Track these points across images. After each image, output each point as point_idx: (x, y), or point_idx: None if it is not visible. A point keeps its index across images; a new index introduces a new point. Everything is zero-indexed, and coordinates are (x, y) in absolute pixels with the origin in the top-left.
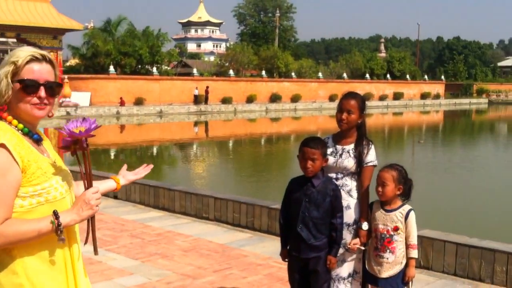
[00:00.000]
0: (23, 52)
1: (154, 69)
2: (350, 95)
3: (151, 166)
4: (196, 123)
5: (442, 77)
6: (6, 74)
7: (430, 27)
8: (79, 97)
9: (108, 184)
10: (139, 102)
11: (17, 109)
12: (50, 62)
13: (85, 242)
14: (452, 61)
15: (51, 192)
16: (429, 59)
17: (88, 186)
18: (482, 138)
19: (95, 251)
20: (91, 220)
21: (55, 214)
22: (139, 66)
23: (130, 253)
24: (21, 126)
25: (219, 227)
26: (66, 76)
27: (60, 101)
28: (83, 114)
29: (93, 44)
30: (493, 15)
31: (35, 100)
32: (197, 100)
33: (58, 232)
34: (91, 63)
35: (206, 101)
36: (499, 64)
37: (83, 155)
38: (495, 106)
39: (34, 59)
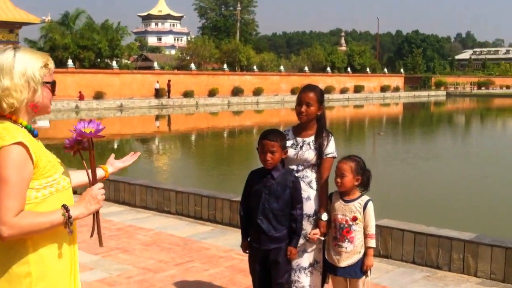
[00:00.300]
0: (44, 55)
1: (114, 63)
2: (308, 88)
3: (138, 153)
4: (157, 117)
5: (402, 70)
6: (42, 76)
7: (389, 21)
8: None
9: (97, 173)
10: (99, 96)
11: (25, 108)
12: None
13: (91, 235)
14: (411, 55)
15: (60, 182)
16: (388, 53)
17: (93, 182)
18: (441, 130)
19: (100, 243)
20: (96, 214)
21: (65, 207)
22: (98, 60)
23: (90, 249)
24: (25, 123)
25: (180, 221)
26: None
27: None
28: None
29: (51, 38)
30: (451, 9)
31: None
32: (158, 94)
33: (68, 225)
34: None
35: (168, 94)
36: (457, 57)
37: (90, 154)
38: (453, 99)
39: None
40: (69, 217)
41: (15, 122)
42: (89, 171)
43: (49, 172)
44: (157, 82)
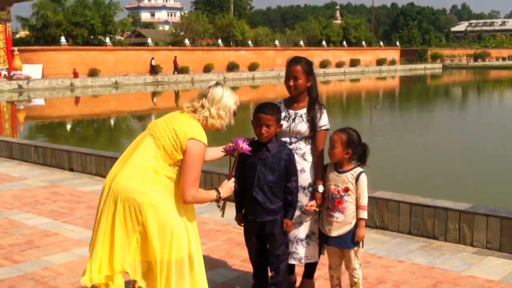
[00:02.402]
0: (235, 95)
1: (107, 39)
2: (294, 61)
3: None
4: (154, 94)
5: (397, 43)
6: (234, 110)
7: None
8: (30, 69)
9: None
10: (93, 73)
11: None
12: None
13: (222, 213)
14: (407, 27)
15: None
16: (384, 26)
17: (230, 178)
18: (437, 103)
19: (223, 214)
20: (225, 198)
21: (217, 190)
22: (92, 37)
23: (88, 224)
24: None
25: None
26: (16, 49)
27: (11, 73)
28: (35, 86)
29: (43, 15)
30: None
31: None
32: (154, 70)
33: (219, 201)
34: (42, 35)
35: (175, 70)
36: (452, 29)
37: (234, 159)
38: (449, 71)
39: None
40: (220, 197)
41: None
42: (231, 170)
43: None
44: (153, 58)
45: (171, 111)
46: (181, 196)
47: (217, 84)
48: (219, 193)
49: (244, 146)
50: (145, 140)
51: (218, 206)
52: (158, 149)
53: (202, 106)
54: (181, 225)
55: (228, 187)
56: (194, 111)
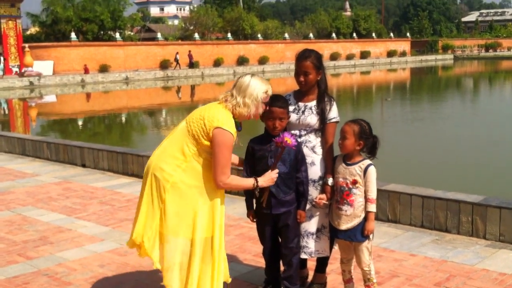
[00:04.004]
0: (267, 83)
1: (117, 35)
2: (304, 56)
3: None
4: (166, 88)
5: (408, 34)
6: (263, 98)
7: None
8: (41, 66)
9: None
10: (103, 69)
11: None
12: None
13: (263, 203)
14: (417, 18)
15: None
16: (394, 17)
17: (273, 168)
18: (449, 94)
19: (263, 204)
20: (266, 188)
21: (256, 179)
22: (102, 32)
23: (100, 220)
24: (237, 121)
25: None
26: (27, 45)
27: (22, 70)
28: (46, 83)
29: (53, 11)
30: None
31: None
32: (178, 65)
33: (257, 189)
34: (52, 31)
35: (190, 65)
36: (463, 19)
37: (280, 150)
38: (461, 62)
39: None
40: (257, 185)
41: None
42: (275, 161)
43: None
44: (177, 53)
45: (180, 104)
46: (214, 182)
47: (247, 74)
48: (257, 181)
49: (291, 139)
50: (181, 125)
51: (255, 194)
52: (188, 134)
53: (232, 95)
54: (205, 207)
55: (269, 176)
56: (226, 101)
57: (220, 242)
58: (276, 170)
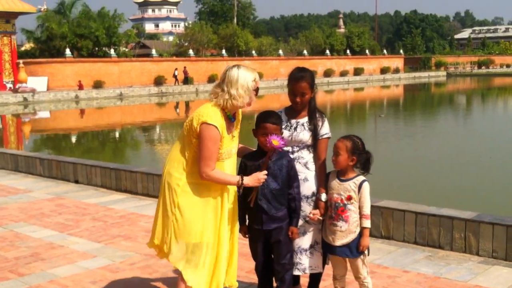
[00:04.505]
0: (254, 71)
1: (112, 51)
2: (300, 77)
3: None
4: (160, 105)
5: (401, 51)
6: (253, 87)
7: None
8: (36, 82)
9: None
10: (98, 85)
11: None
12: None
13: (251, 203)
14: (410, 35)
15: (230, 153)
16: (387, 34)
17: (263, 169)
18: (441, 111)
19: (251, 204)
20: (255, 188)
21: (242, 177)
22: (96, 49)
23: (93, 236)
24: (228, 112)
25: None
26: (21, 61)
27: (17, 86)
28: (40, 99)
29: (47, 27)
30: None
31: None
32: (178, 80)
33: (241, 187)
34: (47, 47)
35: (185, 81)
36: (456, 36)
37: (269, 153)
38: (453, 79)
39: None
40: (242, 183)
41: (223, 110)
42: (265, 163)
43: (224, 146)
44: (176, 69)
45: (173, 121)
46: (199, 173)
47: (232, 66)
48: (242, 179)
49: (279, 142)
50: (181, 130)
51: (239, 192)
52: (184, 137)
53: (223, 90)
54: (205, 210)
55: (255, 176)
56: (216, 97)
57: (222, 243)
58: (265, 172)
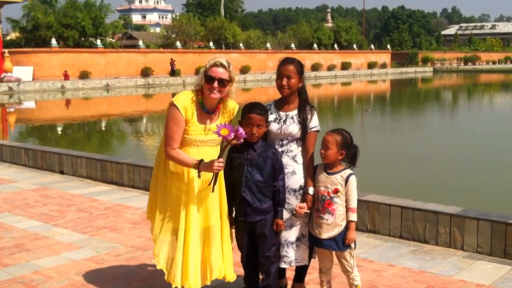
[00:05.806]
0: (212, 60)
1: (98, 42)
2: (287, 60)
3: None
4: (147, 96)
5: (388, 46)
6: (202, 71)
7: None
8: (21, 71)
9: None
10: (84, 75)
11: (204, 91)
12: (224, 67)
13: (212, 189)
14: (397, 30)
15: (198, 141)
16: (375, 29)
17: (219, 157)
18: (428, 106)
19: (212, 190)
20: (214, 174)
21: (199, 161)
22: (83, 39)
23: (78, 228)
24: (200, 100)
25: None
26: (6, 51)
27: (2, 76)
28: (26, 89)
29: (33, 17)
30: None
31: (211, 87)
32: (174, 72)
33: (198, 171)
34: (32, 36)
35: (172, 73)
36: (443, 32)
37: (228, 143)
38: (440, 75)
39: (214, 64)
40: (198, 167)
41: (201, 94)
42: (221, 151)
43: (190, 133)
44: (172, 59)
45: (159, 113)
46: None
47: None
48: (198, 163)
49: (226, 130)
50: None
51: (199, 176)
52: None
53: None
54: (180, 197)
55: (210, 162)
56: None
57: (194, 230)
58: (221, 160)
